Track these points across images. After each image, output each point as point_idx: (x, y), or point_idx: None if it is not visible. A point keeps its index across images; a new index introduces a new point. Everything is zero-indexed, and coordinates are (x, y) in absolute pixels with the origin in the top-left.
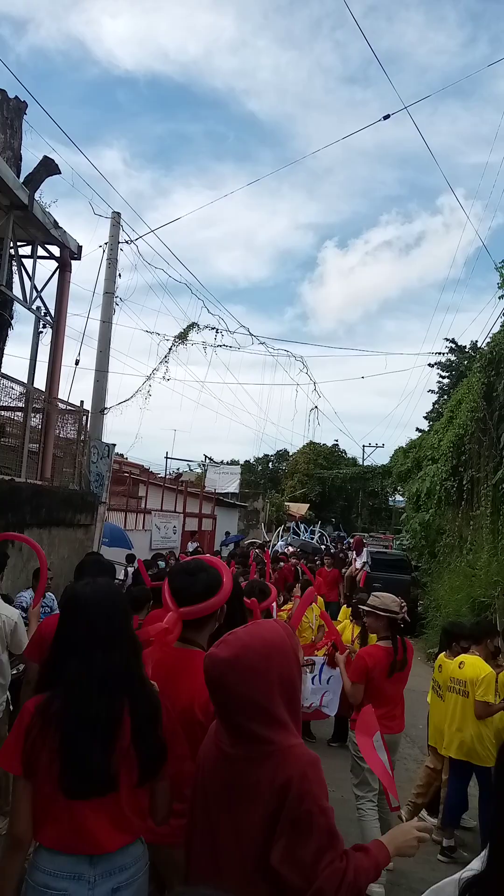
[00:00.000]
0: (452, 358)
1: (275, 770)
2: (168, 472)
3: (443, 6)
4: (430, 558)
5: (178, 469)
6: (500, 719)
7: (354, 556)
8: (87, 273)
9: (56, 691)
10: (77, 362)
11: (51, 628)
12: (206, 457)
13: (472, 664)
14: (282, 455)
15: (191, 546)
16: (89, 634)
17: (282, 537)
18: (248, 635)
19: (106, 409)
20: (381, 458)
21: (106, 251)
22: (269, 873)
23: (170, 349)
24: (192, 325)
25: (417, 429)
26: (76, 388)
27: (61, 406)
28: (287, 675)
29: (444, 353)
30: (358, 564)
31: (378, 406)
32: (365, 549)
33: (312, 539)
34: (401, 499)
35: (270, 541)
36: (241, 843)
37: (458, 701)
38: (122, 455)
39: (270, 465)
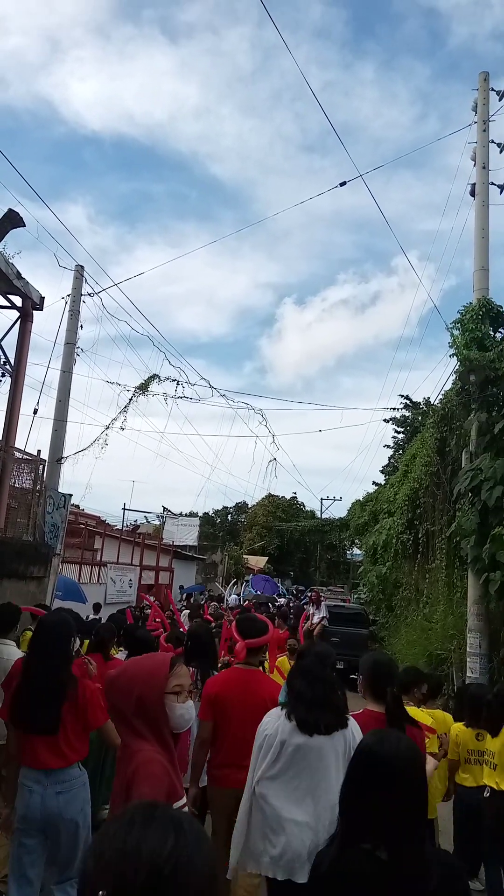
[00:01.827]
0: (407, 414)
1: (128, 763)
2: (126, 524)
3: (395, 84)
4: (388, 612)
5: (135, 521)
6: (436, 778)
7: (313, 610)
8: (48, 324)
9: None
10: (35, 411)
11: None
12: (164, 508)
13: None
14: (241, 507)
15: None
16: (42, 644)
17: (233, 591)
18: (132, 663)
19: (63, 458)
20: (339, 511)
21: (68, 303)
22: None
23: (130, 400)
24: (154, 377)
25: (374, 482)
26: (34, 438)
27: (18, 455)
28: (145, 698)
29: (398, 409)
30: (316, 619)
31: (335, 460)
32: (323, 603)
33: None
34: (358, 552)
35: (225, 594)
36: None
37: None
38: (77, 506)
39: (229, 517)
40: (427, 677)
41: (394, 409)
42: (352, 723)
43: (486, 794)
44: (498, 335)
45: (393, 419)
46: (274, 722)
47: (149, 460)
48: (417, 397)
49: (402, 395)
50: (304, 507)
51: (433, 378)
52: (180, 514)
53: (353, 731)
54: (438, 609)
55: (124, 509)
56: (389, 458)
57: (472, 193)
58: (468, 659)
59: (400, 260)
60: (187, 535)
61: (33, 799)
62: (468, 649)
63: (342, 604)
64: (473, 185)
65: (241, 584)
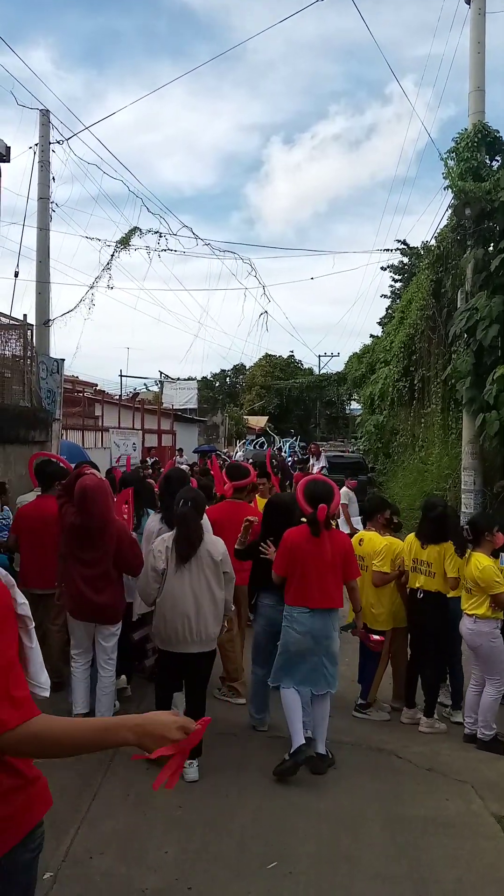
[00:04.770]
0: (404, 260)
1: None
2: (124, 392)
3: None
4: (386, 458)
5: (134, 388)
6: (392, 595)
7: (313, 461)
8: (20, 182)
9: None
10: (16, 274)
11: (30, 511)
12: (161, 373)
13: (369, 539)
14: (239, 369)
15: (149, 460)
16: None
17: (238, 451)
18: (95, 479)
19: (50, 320)
20: (337, 366)
21: (37, 152)
22: None
23: (112, 255)
24: (135, 230)
25: (371, 335)
26: (18, 305)
27: (3, 321)
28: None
29: (392, 251)
30: (315, 469)
31: (332, 314)
32: (323, 453)
33: (275, 448)
34: (357, 406)
35: (233, 453)
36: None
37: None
38: (74, 376)
39: (228, 379)
40: (388, 506)
41: (388, 250)
42: None
43: (420, 596)
44: (494, 163)
45: (390, 267)
46: (153, 519)
47: (142, 325)
48: (415, 242)
49: (398, 240)
50: (301, 365)
51: (428, 221)
52: (178, 379)
53: None
54: (434, 451)
55: (121, 376)
56: (387, 309)
57: (468, 1)
58: (463, 496)
59: (395, 88)
60: (186, 399)
61: None
62: (463, 486)
63: (341, 453)
64: None
65: (243, 444)
